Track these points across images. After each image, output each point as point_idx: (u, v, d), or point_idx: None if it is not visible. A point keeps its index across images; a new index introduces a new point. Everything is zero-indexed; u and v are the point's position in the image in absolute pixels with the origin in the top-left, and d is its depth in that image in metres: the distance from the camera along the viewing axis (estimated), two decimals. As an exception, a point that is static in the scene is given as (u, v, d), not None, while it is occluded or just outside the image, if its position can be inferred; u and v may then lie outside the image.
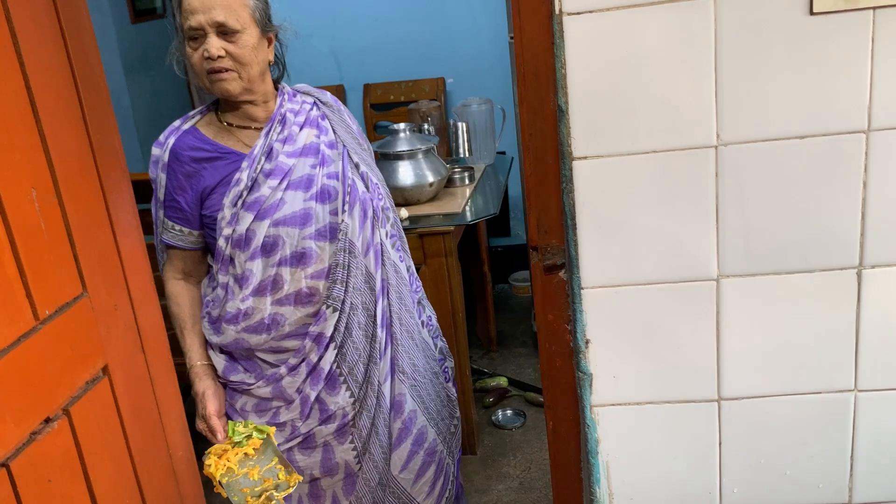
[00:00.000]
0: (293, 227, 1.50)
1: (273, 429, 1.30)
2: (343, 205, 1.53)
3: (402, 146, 2.51)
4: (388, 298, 1.60)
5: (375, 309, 1.57)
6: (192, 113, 1.61)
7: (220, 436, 1.52)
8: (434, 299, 2.50)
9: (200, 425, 1.56)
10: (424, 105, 3.12)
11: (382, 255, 1.59)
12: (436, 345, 1.79)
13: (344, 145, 1.59)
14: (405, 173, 2.50)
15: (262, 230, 1.49)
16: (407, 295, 1.65)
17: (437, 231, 2.41)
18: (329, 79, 3.96)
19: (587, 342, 0.98)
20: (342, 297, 1.53)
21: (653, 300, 0.95)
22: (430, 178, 2.52)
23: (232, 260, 1.52)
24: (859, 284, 0.91)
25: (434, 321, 1.81)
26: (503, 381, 3.07)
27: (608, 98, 0.88)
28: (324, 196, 1.53)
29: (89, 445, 1.09)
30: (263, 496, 1.18)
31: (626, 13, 0.84)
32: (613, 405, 1.00)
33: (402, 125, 2.57)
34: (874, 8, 0.81)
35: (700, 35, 0.84)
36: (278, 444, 1.61)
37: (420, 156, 2.51)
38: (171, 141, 1.55)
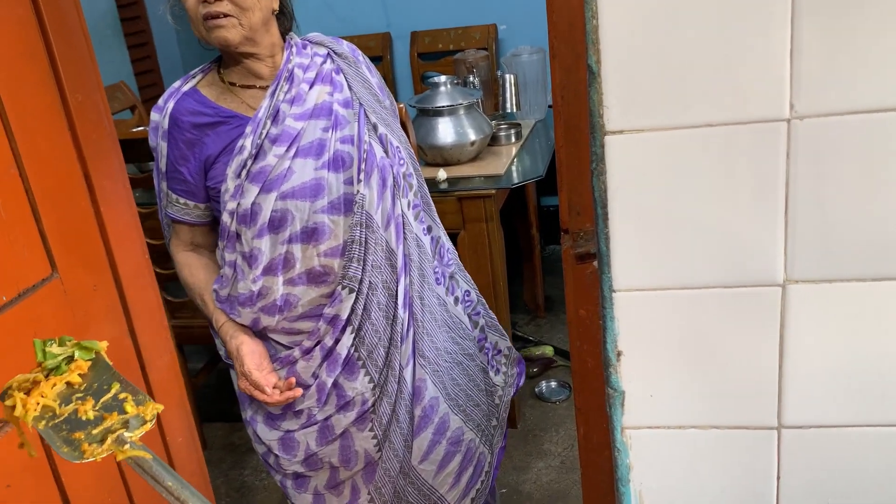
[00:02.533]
0: (303, 199, 1.35)
1: (105, 343, 0.82)
2: (359, 173, 1.37)
3: (441, 101, 2.33)
4: (409, 275, 1.45)
5: (397, 288, 1.43)
6: (193, 72, 1.46)
7: (268, 390, 1.40)
8: (473, 267, 2.34)
9: (242, 384, 1.45)
10: (471, 55, 2.91)
11: (404, 227, 1.44)
12: (476, 322, 1.64)
13: (360, 103, 1.42)
14: (444, 131, 2.33)
15: (269, 204, 1.35)
16: (430, 271, 1.50)
17: (477, 194, 2.24)
18: (375, 26, 3.78)
19: (619, 354, 0.81)
20: (359, 277, 1.38)
21: (701, 307, 0.77)
22: (472, 137, 2.34)
23: (238, 236, 1.39)
24: (968, 295, 0.71)
25: (473, 295, 1.66)
26: (549, 351, 2.92)
27: (651, 57, 0.70)
28: (337, 164, 1.37)
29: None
30: (109, 440, 0.74)
31: (676, -53, 0.65)
32: (649, 428, 0.84)
33: (442, 78, 2.39)
34: None
35: (774, -25, 0.65)
36: (292, 431, 1.49)
37: (461, 112, 2.33)
38: (171, 105, 1.41)
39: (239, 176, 1.36)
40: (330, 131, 1.39)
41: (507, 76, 2.89)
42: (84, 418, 0.76)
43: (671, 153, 0.73)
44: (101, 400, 0.77)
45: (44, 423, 0.75)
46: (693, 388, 0.81)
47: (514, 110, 2.94)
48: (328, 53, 1.47)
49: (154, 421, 0.77)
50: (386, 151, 1.43)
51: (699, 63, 0.69)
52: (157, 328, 1.22)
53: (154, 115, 1.43)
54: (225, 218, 1.39)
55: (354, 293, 1.40)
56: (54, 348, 0.79)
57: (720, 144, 0.71)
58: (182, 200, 1.45)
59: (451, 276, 1.59)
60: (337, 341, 1.42)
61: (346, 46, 1.52)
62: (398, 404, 1.47)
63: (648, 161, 0.74)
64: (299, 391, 1.43)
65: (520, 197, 2.99)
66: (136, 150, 2.19)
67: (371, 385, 1.46)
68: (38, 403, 0.75)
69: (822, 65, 0.67)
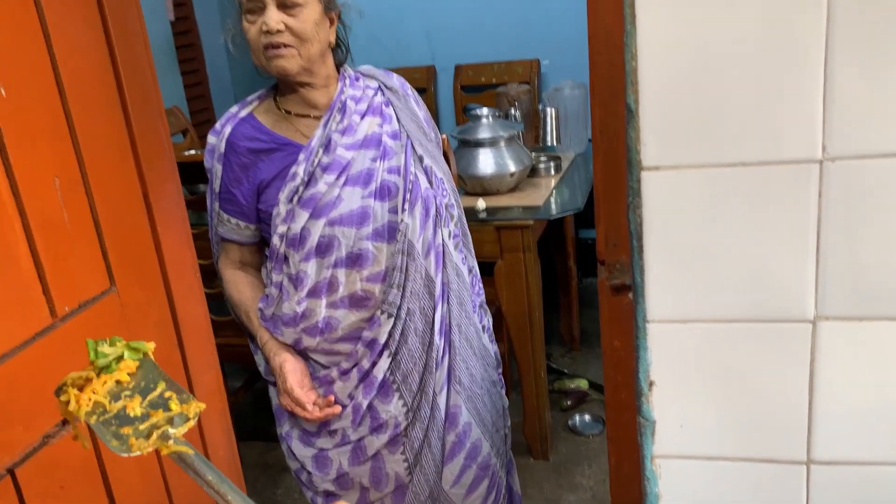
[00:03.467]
0: (350, 226, 1.40)
1: (152, 344, 0.88)
2: (403, 203, 1.42)
3: (483, 133, 2.38)
4: (447, 304, 1.49)
5: (434, 315, 1.46)
6: (250, 98, 1.53)
7: (308, 407, 1.45)
8: (510, 296, 2.37)
9: (284, 400, 1.50)
10: (513, 89, 2.97)
11: (444, 256, 1.47)
12: (495, 351, 1.68)
13: (408, 136, 1.47)
14: (485, 162, 2.37)
15: (318, 230, 1.40)
16: (468, 300, 1.53)
17: (515, 224, 2.27)
18: (421, 59, 3.86)
19: (651, 384, 0.83)
20: (398, 303, 1.42)
21: (732, 340, 0.79)
22: (512, 168, 2.38)
23: (286, 259, 1.44)
24: None
25: (491, 325, 1.69)
26: (583, 384, 2.92)
27: (687, 97, 0.73)
28: (383, 193, 1.42)
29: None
30: (154, 435, 0.78)
31: (713, -6, 0.69)
32: (679, 457, 0.85)
33: (484, 110, 2.44)
34: None
35: (807, 23, 0.68)
36: (326, 449, 1.53)
37: (502, 143, 2.38)
38: (228, 129, 1.47)
39: (290, 201, 1.41)
40: (378, 161, 1.43)
41: (549, 110, 2.93)
42: (132, 414, 0.80)
43: (705, 190, 0.75)
44: (148, 397, 0.81)
45: (95, 417, 0.79)
46: (724, 419, 0.82)
47: (555, 143, 2.98)
48: (379, 86, 1.52)
49: (197, 419, 0.81)
50: (430, 182, 1.47)
51: (734, 104, 0.72)
52: (204, 344, 1.27)
53: (211, 139, 1.50)
54: (275, 240, 1.44)
55: (393, 318, 1.43)
56: (105, 348, 0.84)
57: (753, 183, 0.74)
58: (233, 220, 1.50)
59: (481, 306, 1.63)
60: (374, 364, 1.46)
61: (396, 80, 1.57)
62: (430, 429, 1.50)
63: (683, 196, 0.76)
64: (338, 409, 1.46)
65: (558, 229, 3.02)
66: (187, 173, 2.27)
67: (404, 409, 1.48)
68: (89, 399, 0.80)
69: (854, 108, 0.69)
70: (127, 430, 0.79)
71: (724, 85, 0.71)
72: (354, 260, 1.42)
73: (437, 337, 1.47)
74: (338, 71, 1.51)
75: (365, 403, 1.47)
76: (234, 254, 1.55)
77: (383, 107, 1.49)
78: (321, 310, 1.44)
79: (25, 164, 0.90)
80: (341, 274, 1.43)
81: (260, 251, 1.56)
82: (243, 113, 1.50)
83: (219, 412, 1.33)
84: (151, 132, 1.13)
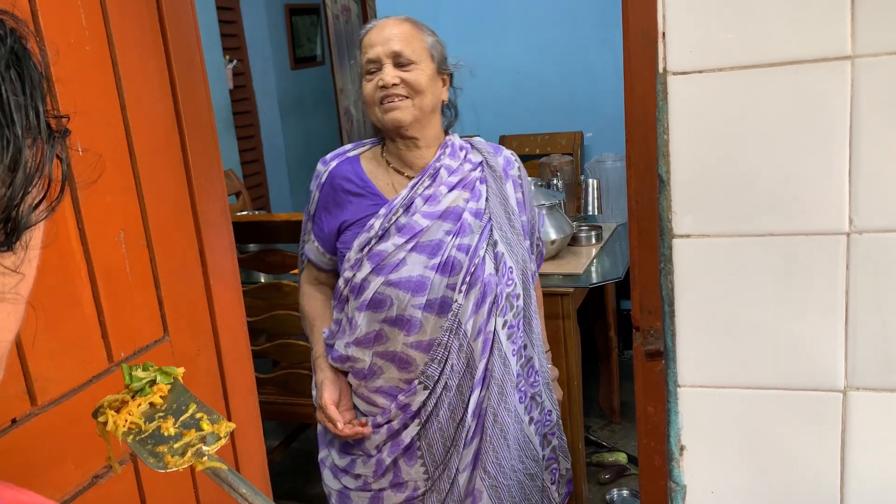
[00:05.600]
0: (405, 291, 1.44)
1: (181, 370, 0.95)
2: (462, 283, 1.44)
3: (525, 201, 2.43)
4: (486, 390, 1.48)
5: (470, 396, 1.47)
6: (365, 141, 1.62)
7: (339, 425, 1.48)
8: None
9: (319, 416, 1.54)
10: (556, 159, 3.03)
11: (493, 344, 1.47)
12: (547, 442, 1.63)
13: (490, 217, 1.49)
14: (527, 229, 2.41)
15: (375, 285, 1.45)
16: (511, 391, 1.51)
17: (555, 291, 2.29)
18: (467, 129, 3.94)
19: (682, 448, 0.84)
20: (436, 377, 1.45)
21: (763, 408, 0.80)
22: (553, 236, 2.42)
23: (347, 301, 1.49)
24: None
25: (555, 416, 1.65)
26: (622, 458, 2.87)
27: (717, 169, 0.76)
28: (447, 268, 1.45)
29: (154, 493, 1.07)
30: (189, 453, 0.83)
31: (742, 75, 0.73)
32: (710, 525, 0.85)
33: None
34: None
35: (833, 101, 0.71)
36: (349, 489, 1.54)
37: (544, 212, 2.42)
38: (333, 164, 1.56)
39: (362, 250, 1.47)
40: (451, 236, 1.45)
41: (591, 181, 2.98)
42: (166, 434, 0.86)
43: (735, 258, 0.78)
44: (181, 418, 0.87)
45: (132, 437, 0.85)
46: (754, 487, 0.83)
47: (596, 213, 3.02)
48: (482, 162, 1.54)
49: (228, 437, 0.87)
50: (496, 269, 1.47)
51: (762, 176, 0.75)
52: (247, 396, 1.31)
53: (319, 167, 1.58)
54: (340, 282, 1.50)
55: (428, 391, 1.45)
56: (139, 372, 0.90)
57: (782, 253, 0.76)
58: (316, 244, 1.58)
59: (533, 397, 1.59)
60: (404, 427, 1.48)
61: (501, 159, 1.58)
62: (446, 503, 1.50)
63: (713, 264, 0.79)
64: (369, 430, 1.48)
65: (599, 300, 3.02)
66: (238, 232, 2.36)
67: (425, 476, 1.50)
68: (126, 420, 0.86)
69: (880, 182, 0.72)
70: (162, 449, 0.84)
71: (752, 157, 0.75)
72: (403, 323, 1.45)
73: (469, 417, 1.47)
74: (446, 134, 1.56)
75: (388, 460, 1.50)
76: (312, 271, 1.62)
77: (477, 183, 1.51)
78: (367, 358, 1.49)
79: (95, 216, 0.97)
80: (389, 331, 1.47)
81: (336, 278, 1.60)
82: (352, 153, 1.58)
83: (259, 465, 1.36)
84: (211, 191, 1.21)
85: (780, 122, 0.73)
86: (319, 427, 1.61)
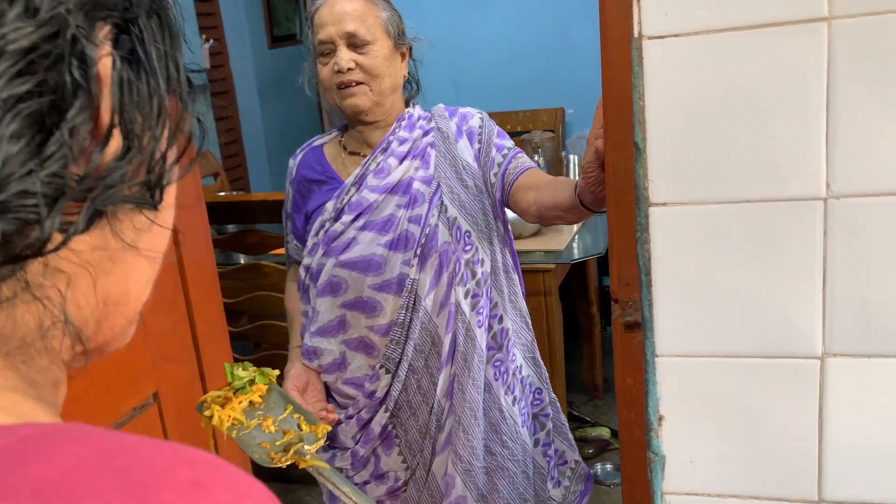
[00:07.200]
0: (359, 272, 1.40)
1: (276, 372, 1.00)
2: (415, 256, 1.38)
3: (506, 178, 2.41)
4: (455, 366, 1.42)
5: (440, 376, 1.42)
6: (332, 130, 1.58)
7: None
8: (530, 340, 2.37)
9: None
10: (537, 136, 3.01)
11: (456, 316, 1.40)
12: (542, 424, 1.56)
13: (439, 183, 1.42)
14: (507, 206, 2.40)
15: (329, 268, 1.41)
16: (478, 366, 1.42)
17: (536, 268, 2.29)
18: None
19: (660, 419, 0.84)
20: (397, 359, 1.40)
21: (741, 376, 0.80)
22: (534, 213, 2.40)
23: (307, 292, 1.47)
24: None
25: (546, 395, 1.56)
26: (605, 432, 2.89)
27: (693, 136, 0.75)
28: (400, 243, 1.39)
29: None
30: (292, 451, 0.89)
31: (717, 38, 0.71)
32: (689, 494, 0.85)
33: (508, 156, 2.48)
34: None
35: (809, 64, 0.70)
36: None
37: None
38: (300, 156, 1.54)
39: (317, 234, 1.43)
40: (402, 209, 1.40)
41: (572, 157, 2.97)
42: (266, 431, 0.93)
43: (711, 226, 0.77)
44: (279, 418, 0.94)
45: (235, 432, 0.91)
46: (733, 456, 0.82)
47: (578, 190, 3.01)
48: (434, 127, 1.47)
49: (325, 438, 0.94)
50: (451, 235, 1.40)
51: (739, 142, 0.74)
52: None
53: (290, 161, 1.55)
54: (301, 271, 1.47)
55: (391, 375, 1.40)
56: (240, 371, 0.97)
57: (759, 220, 0.75)
58: (295, 242, 1.55)
59: (514, 373, 1.49)
60: (371, 417, 1.43)
61: (457, 117, 1.48)
62: (424, 493, 1.46)
63: (690, 232, 0.78)
64: (334, 416, 1.42)
65: (582, 276, 3.02)
66: (216, 213, 2.34)
67: (404, 466, 1.45)
68: (229, 416, 0.92)
69: (857, 146, 0.71)
70: (265, 445, 0.91)
71: (728, 123, 0.74)
72: (362, 306, 1.41)
73: (443, 400, 1.42)
74: (407, 106, 1.50)
75: (362, 452, 1.46)
76: (295, 269, 1.58)
77: (428, 148, 1.44)
78: (335, 347, 1.44)
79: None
80: (350, 316, 1.42)
81: None
82: (317, 143, 1.54)
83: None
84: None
85: (756, 86, 0.72)
86: None
